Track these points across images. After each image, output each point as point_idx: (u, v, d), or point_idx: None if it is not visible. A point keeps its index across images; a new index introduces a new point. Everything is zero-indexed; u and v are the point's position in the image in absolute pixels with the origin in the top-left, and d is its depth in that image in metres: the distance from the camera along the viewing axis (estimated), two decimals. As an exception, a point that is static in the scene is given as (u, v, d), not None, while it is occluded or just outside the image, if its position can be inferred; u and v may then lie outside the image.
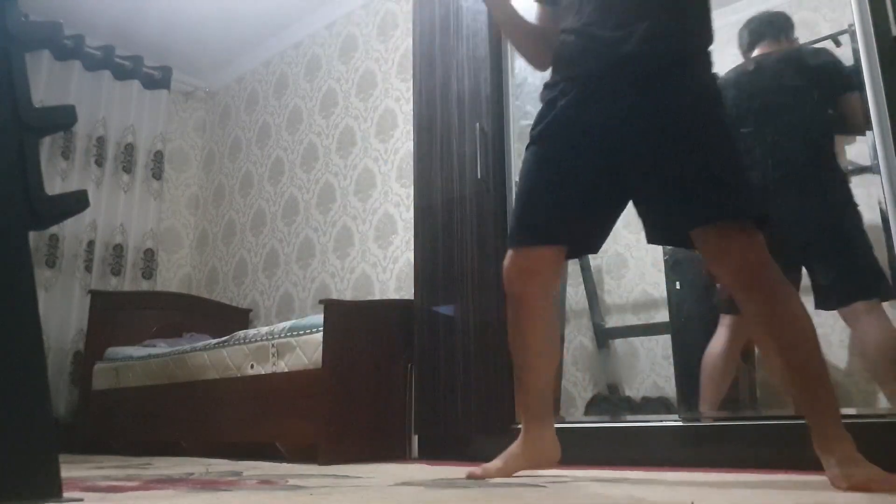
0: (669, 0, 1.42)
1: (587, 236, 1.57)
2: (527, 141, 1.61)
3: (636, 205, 1.50)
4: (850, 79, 1.97)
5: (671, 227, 1.43)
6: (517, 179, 1.65)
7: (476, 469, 1.59)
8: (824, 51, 2.11)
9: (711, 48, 1.46)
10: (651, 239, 1.49)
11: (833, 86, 2.04)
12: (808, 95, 2.09)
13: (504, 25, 1.73)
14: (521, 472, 1.64)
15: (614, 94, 1.41)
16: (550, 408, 1.65)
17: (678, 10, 1.42)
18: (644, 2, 1.42)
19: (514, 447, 1.62)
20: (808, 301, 2.15)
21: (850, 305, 1.96)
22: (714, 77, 1.45)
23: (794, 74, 2.13)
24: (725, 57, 2.51)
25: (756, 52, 2.23)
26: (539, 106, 1.60)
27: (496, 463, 1.60)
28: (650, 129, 1.38)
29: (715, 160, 1.34)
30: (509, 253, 1.57)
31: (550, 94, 1.54)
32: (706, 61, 1.44)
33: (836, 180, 2.05)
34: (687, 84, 1.38)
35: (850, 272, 1.99)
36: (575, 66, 1.49)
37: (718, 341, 2.15)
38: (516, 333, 1.61)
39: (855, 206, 2.00)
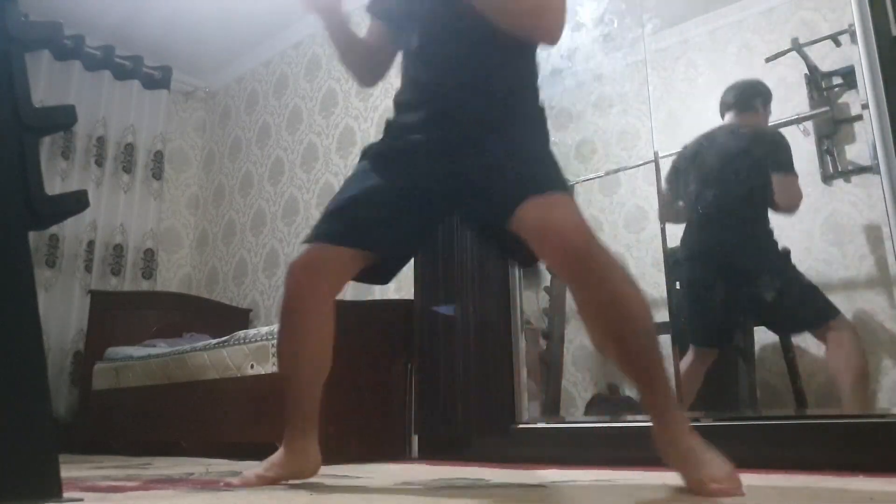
0: (481, 55, 1.42)
1: (387, 256, 1.52)
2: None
3: (470, 227, 1.60)
4: (785, 160, 2.22)
5: (497, 227, 1.37)
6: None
7: (234, 479, 1.52)
8: (774, 131, 2.30)
9: (534, 85, 1.48)
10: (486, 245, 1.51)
11: (771, 163, 2.27)
12: (751, 166, 2.32)
13: (332, 33, 1.62)
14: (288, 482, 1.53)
15: (433, 158, 1.41)
16: (315, 420, 1.55)
17: (490, 62, 1.42)
18: (457, 55, 1.43)
19: (275, 457, 1.54)
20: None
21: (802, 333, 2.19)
22: (535, 109, 1.46)
23: (745, 148, 2.34)
24: (726, 56, 2.52)
25: (726, 119, 2.41)
26: None
27: (256, 470, 1.52)
28: (463, 177, 1.38)
29: (516, 158, 1.35)
30: (303, 249, 1.50)
31: (395, 122, 1.53)
32: (523, 98, 1.45)
33: (768, 233, 2.27)
34: (499, 121, 1.39)
35: (795, 311, 2.20)
36: (409, 108, 1.49)
37: (685, 362, 2.25)
38: (287, 333, 1.53)
39: (791, 265, 2.19)
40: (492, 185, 1.35)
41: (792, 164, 2.22)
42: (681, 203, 2.46)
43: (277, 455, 1.54)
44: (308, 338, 1.54)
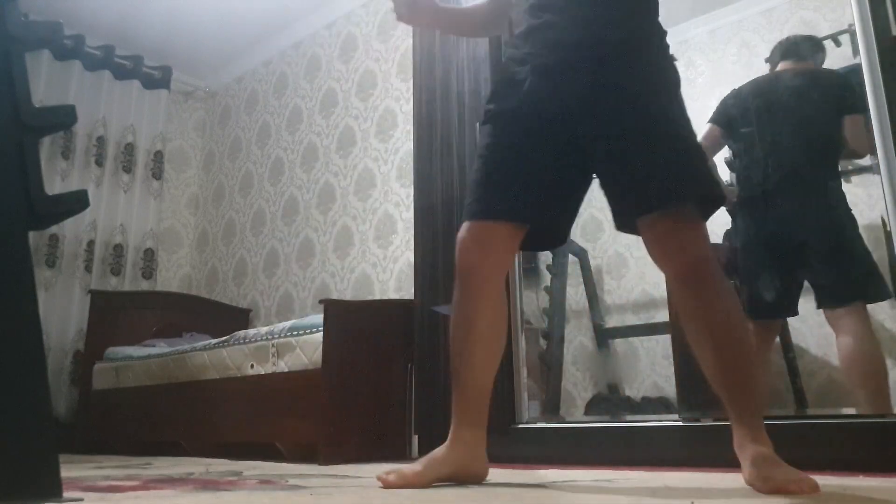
0: None
1: (551, 220, 1.49)
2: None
3: (604, 191, 1.46)
4: (856, 102, 2.02)
5: (624, 214, 1.41)
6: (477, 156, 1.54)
7: (388, 475, 1.38)
8: (837, 72, 2.18)
9: (666, 32, 1.46)
10: (617, 226, 1.47)
11: (841, 105, 2.12)
12: (818, 110, 2.19)
13: (443, 29, 1.72)
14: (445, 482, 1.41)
15: (572, 79, 1.39)
16: (485, 414, 1.46)
17: None
18: None
19: (438, 452, 1.43)
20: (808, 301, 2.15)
21: (844, 307, 2.02)
22: (671, 60, 1.43)
23: (808, 90, 2.22)
24: (726, 56, 2.52)
25: (780, 67, 2.29)
26: None
27: (415, 467, 1.40)
28: (604, 112, 1.36)
29: (661, 146, 1.33)
30: (466, 225, 1.46)
31: (511, 74, 1.49)
32: (660, 45, 1.44)
33: (836, 188, 2.12)
34: (639, 67, 1.38)
35: (846, 275, 2.06)
36: (535, 51, 1.46)
37: None
38: (460, 315, 1.46)
39: (850, 212, 2.06)
40: (631, 161, 1.34)
41: (862, 103, 2.05)
42: (730, 180, 2.34)
43: (439, 450, 1.43)
44: (480, 316, 1.44)
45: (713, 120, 2.32)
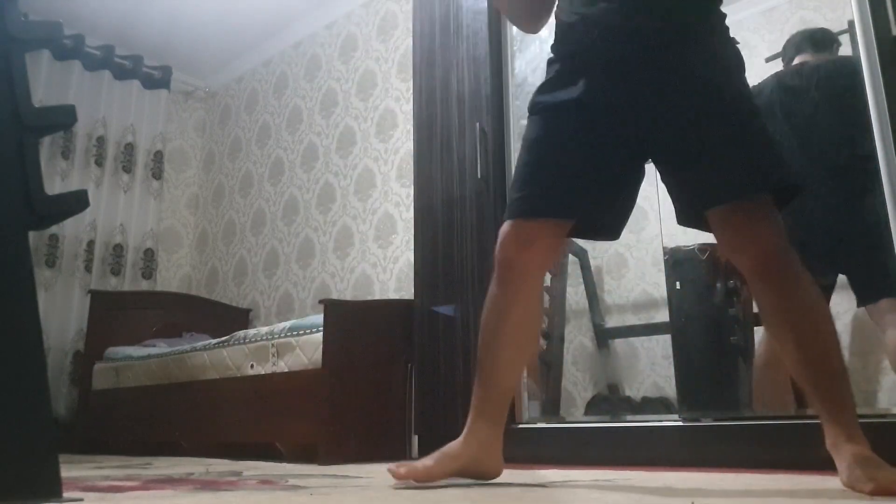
0: None
1: (600, 215, 1.43)
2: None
3: (665, 184, 1.40)
4: None
5: (691, 207, 1.35)
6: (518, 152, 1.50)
7: (398, 467, 1.37)
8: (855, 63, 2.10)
9: (725, 14, 1.39)
10: (680, 220, 1.40)
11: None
12: (845, 98, 2.07)
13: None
14: (454, 479, 1.41)
15: (635, 70, 1.33)
16: (505, 411, 1.45)
17: None
18: None
19: (450, 446, 1.41)
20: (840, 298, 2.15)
21: (877, 302, 1.97)
22: (733, 42, 1.37)
23: (833, 79, 2.14)
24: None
25: (796, 61, 2.22)
26: None
27: (426, 462, 1.38)
28: (670, 103, 1.30)
29: (733, 134, 1.27)
30: (508, 223, 1.40)
31: (560, 67, 1.43)
32: (722, 26, 1.37)
33: (872, 179, 1.95)
34: (706, 51, 1.32)
35: (881, 269, 1.95)
36: (584, 41, 1.39)
37: (761, 349, 2.13)
38: (493, 309, 1.42)
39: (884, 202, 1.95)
40: (691, 145, 1.28)
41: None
42: None
43: (452, 445, 1.40)
44: (513, 313, 1.40)
45: None
